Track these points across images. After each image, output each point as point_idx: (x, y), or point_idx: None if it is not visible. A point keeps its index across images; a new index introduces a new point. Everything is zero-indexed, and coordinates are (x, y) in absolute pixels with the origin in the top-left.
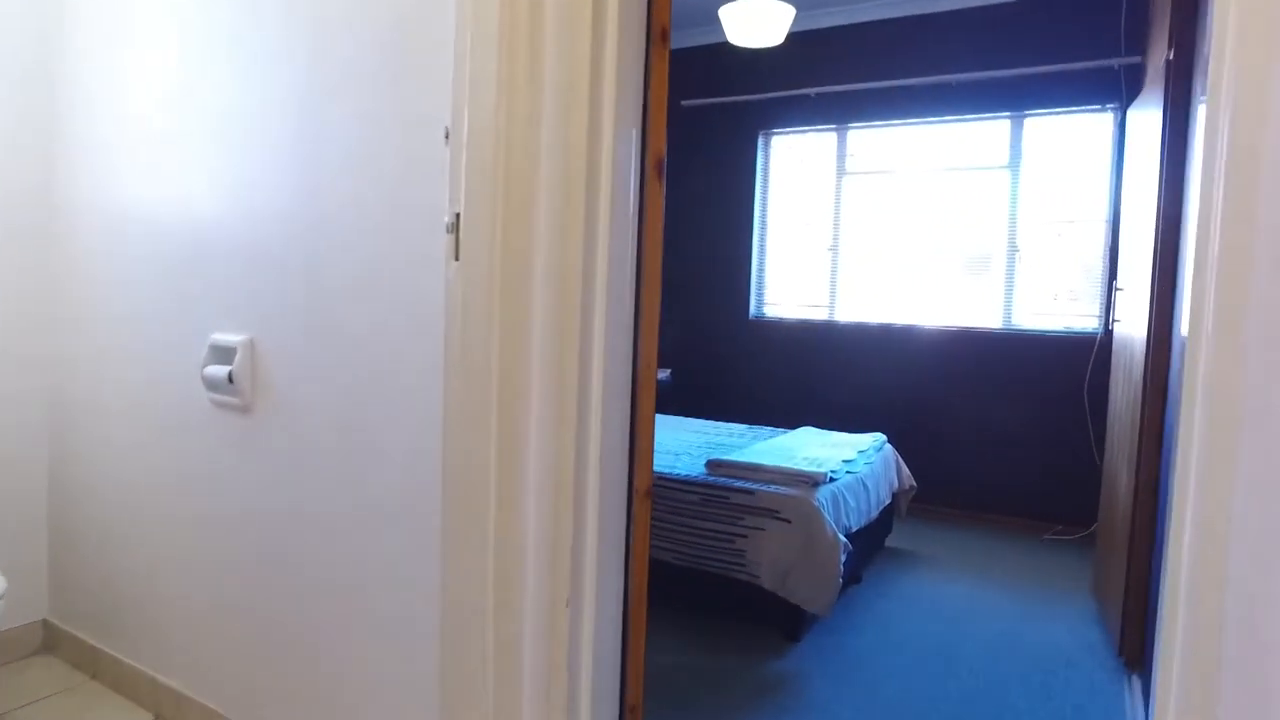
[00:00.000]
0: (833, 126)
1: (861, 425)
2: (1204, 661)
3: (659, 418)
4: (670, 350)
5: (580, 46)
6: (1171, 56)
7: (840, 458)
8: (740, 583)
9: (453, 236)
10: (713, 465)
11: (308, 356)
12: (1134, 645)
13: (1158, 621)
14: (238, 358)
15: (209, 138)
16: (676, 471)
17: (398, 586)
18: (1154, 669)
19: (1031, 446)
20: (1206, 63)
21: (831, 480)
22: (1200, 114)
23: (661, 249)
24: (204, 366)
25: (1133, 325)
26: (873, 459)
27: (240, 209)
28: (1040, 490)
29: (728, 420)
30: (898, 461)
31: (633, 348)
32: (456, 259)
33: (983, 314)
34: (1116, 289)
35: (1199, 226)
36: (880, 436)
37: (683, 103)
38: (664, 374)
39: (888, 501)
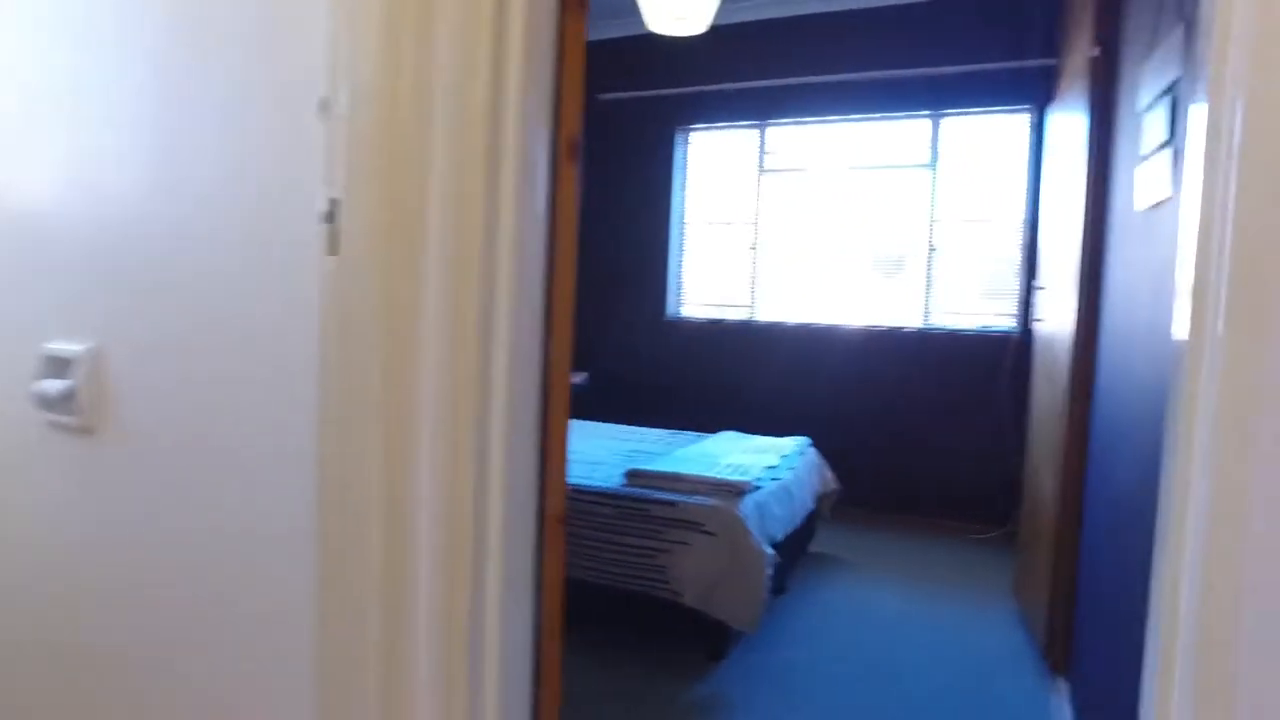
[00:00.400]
0: (753, 123)
1: (784, 428)
2: (1214, 687)
3: (574, 424)
4: (586, 353)
5: (481, 3)
6: (1097, 54)
7: (764, 464)
8: (662, 601)
9: (329, 227)
10: (632, 475)
11: (162, 367)
12: (1060, 650)
13: (1147, 643)
14: (78, 370)
15: (47, 113)
16: (593, 483)
17: (267, 623)
18: (1142, 694)
19: (952, 446)
20: (1134, 58)
21: (756, 489)
22: (1147, 108)
23: (576, 242)
24: (35, 381)
25: (1056, 325)
26: (796, 464)
27: (83, 195)
28: (961, 490)
29: (647, 425)
30: (821, 464)
31: (543, 353)
32: (334, 253)
33: (903, 313)
34: (1037, 288)
35: (1200, 224)
36: (803, 440)
37: (599, 96)
38: (580, 378)
39: (812, 507)
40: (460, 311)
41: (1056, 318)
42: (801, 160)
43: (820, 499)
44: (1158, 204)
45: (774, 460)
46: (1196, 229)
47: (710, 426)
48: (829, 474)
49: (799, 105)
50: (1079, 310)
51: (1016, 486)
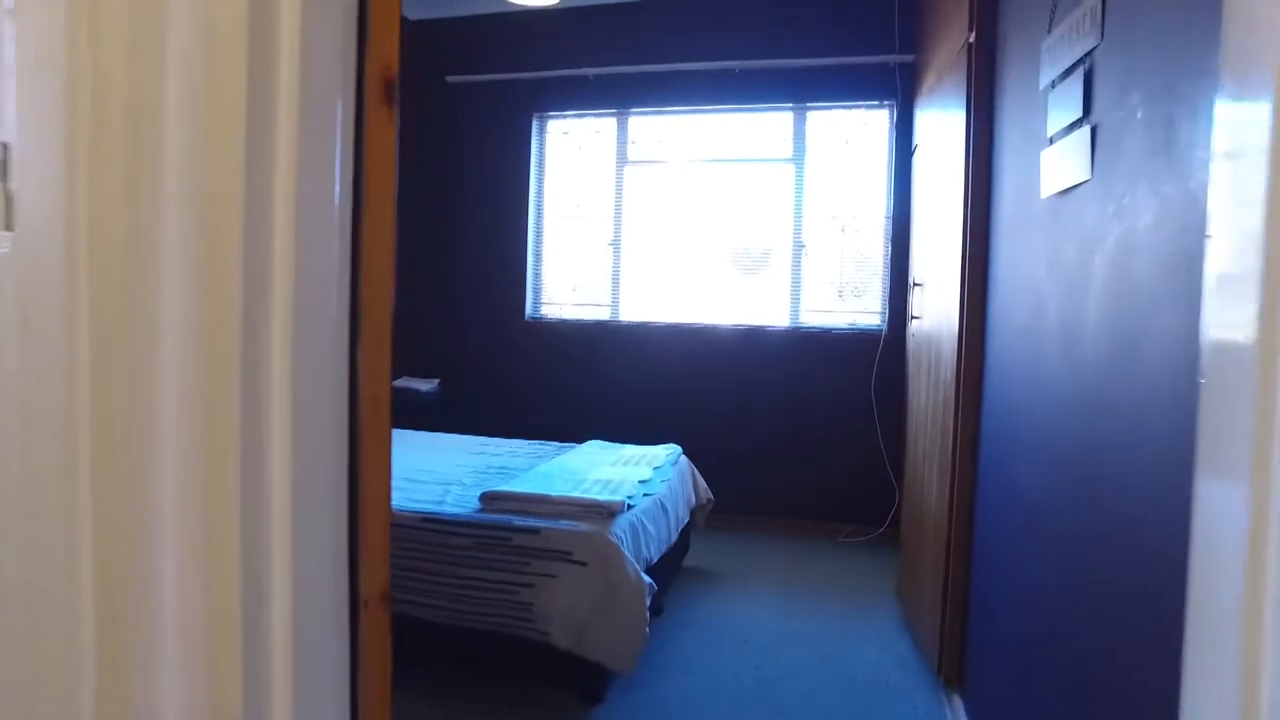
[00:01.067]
0: (613, 111)
1: (653, 435)
2: None
3: (424, 437)
4: (437, 357)
5: None
6: (973, 39)
7: (636, 478)
8: (528, 641)
9: None
10: (489, 499)
11: None
12: (952, 664)
13: (1184, 670)
14: None
15: None
16: (445, 509)
17: None
18: None
19: (822, 447)
20: (1026, 39)
21: (629, 507)
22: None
23: (394, 215)
24: None
25: (935, 321)
26: (669, 475)
27: None
28: (833, 491)
29: (507, 436)
30: (694, 474)
31: (349, 366)
32: (6, 229)
33: (770, 312)
34: (915, 284)
35: (1268, 222)
36: (674, 448)
37: (448, 79)
38: (430, 385)
39: (686, 520)
40: (214, 313)
41: (936, 314)
42: (664, 152)
43: (694, 510)
44: (1069, 188)
45: (646, 473)
46: (1263, 215)
47: (576, 436)
48: (702, 483)
49: (661, 94)
50: (963, 306)
51: (891, 486)
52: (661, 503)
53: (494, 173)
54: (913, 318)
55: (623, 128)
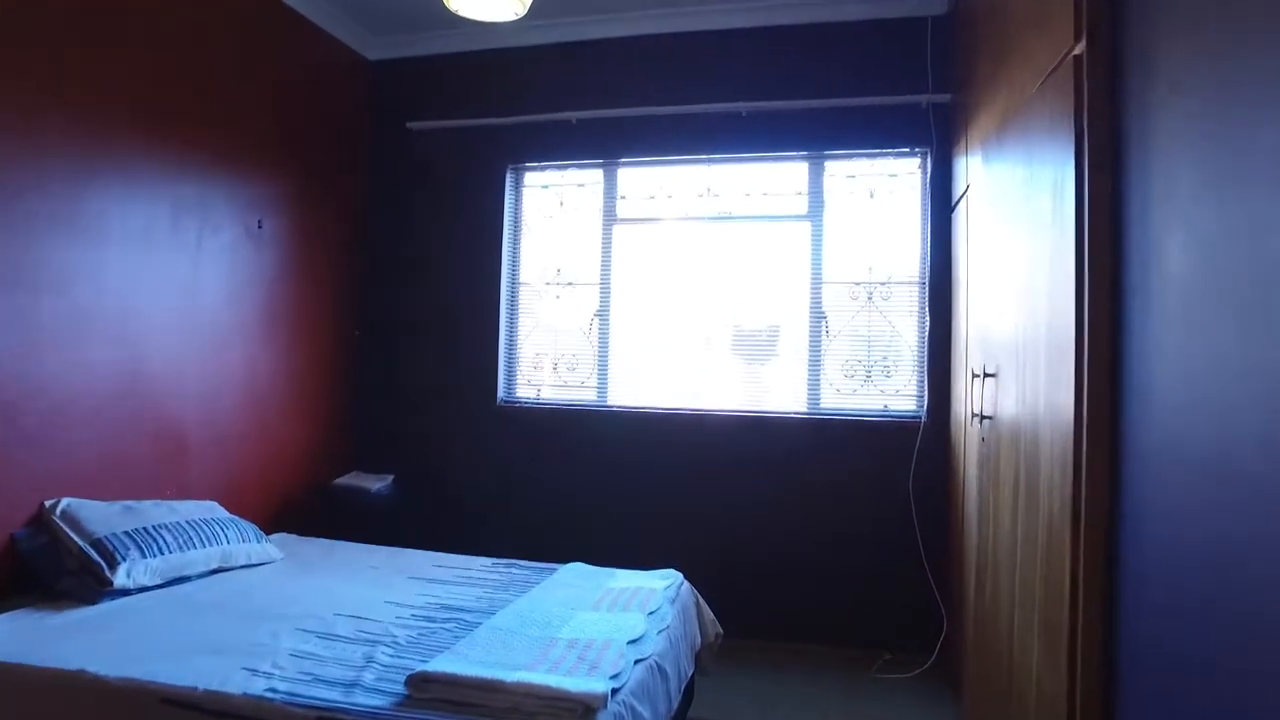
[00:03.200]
0: (599, 161)
1: (647, 550)
2: None
3: (366, 554)
4: (392, 448)
5: None
6: (1082, 50)
7: (625, 635)
8: None
9: None
10: (419, 684)
11: None
12: None
13: None
14: None
15: None
16: (354, 703)
17: None
18: None
19: (850, 558)
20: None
21: (615, 690)
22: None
23: None
24: None
25: (1025, 426)
26: (668, 620)
27: None
28: (864, 613)
29: (470, 550)
30: (699, 605)
31: None
32: None
33: (783, 396)
34: (981, 374)
35: None
36: (673, 577)
37: (409, 125)
38: (382, 482)
39: (690, 672)
40: None
41: (1023, 416)
42: (659, 208)
43: (701, 653)
44: None
45: (638, 624)
46: None
47: (554, 551)
48: (709, 615)
49: (655, 141)
50: (1083, 412)
51: (936, 606)
52: (659, 666)
53: (462, 232)
54: (981, 417)
55: (610, 180)
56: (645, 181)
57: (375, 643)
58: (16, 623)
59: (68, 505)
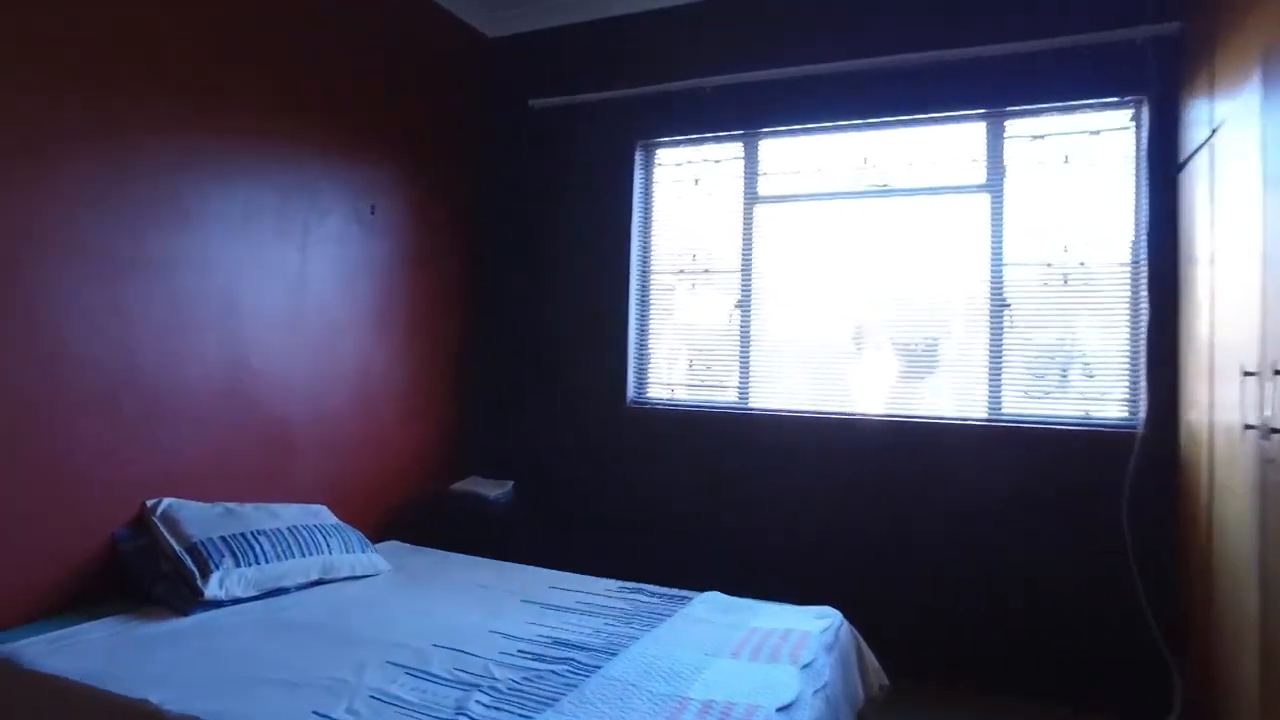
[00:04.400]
0: (739, 133)
1: (795, 577)
2: None
3: (478, 569)
4: (513, 453)
5: None
6: None
7: (775, 697)
8: None
9: None
10: None
11: None
12: None
13: None
14: None
15: None
16: None
17: None
18: None
19: (1045, 596)
20: None
21: None
22: None
23: None
24: None
25: None
26: (825, 674)
27: None
28: (1067, 664)
29: (591, 568)
30: (860, 652)
31: None
32: None
33: (959, 399)
34: (1255, 372)
35: None
36: (831, 616)
37: (531, 103)
38: (500, 490)
39: None
40: None
41: None
42: (807, 184)
43: (862, 709)
44: None
45: (789, 682)
46: None
47: (686, 574)
48: (872, 662)
49: (802, 107)
50: None
51: (1163, 661)
52: None
53: (588, 217)
54: (1268, 430)
55: (751, 154)
56: (791, 154)
57: (471, 686)
58: (102, 633)
59: (168, 506)
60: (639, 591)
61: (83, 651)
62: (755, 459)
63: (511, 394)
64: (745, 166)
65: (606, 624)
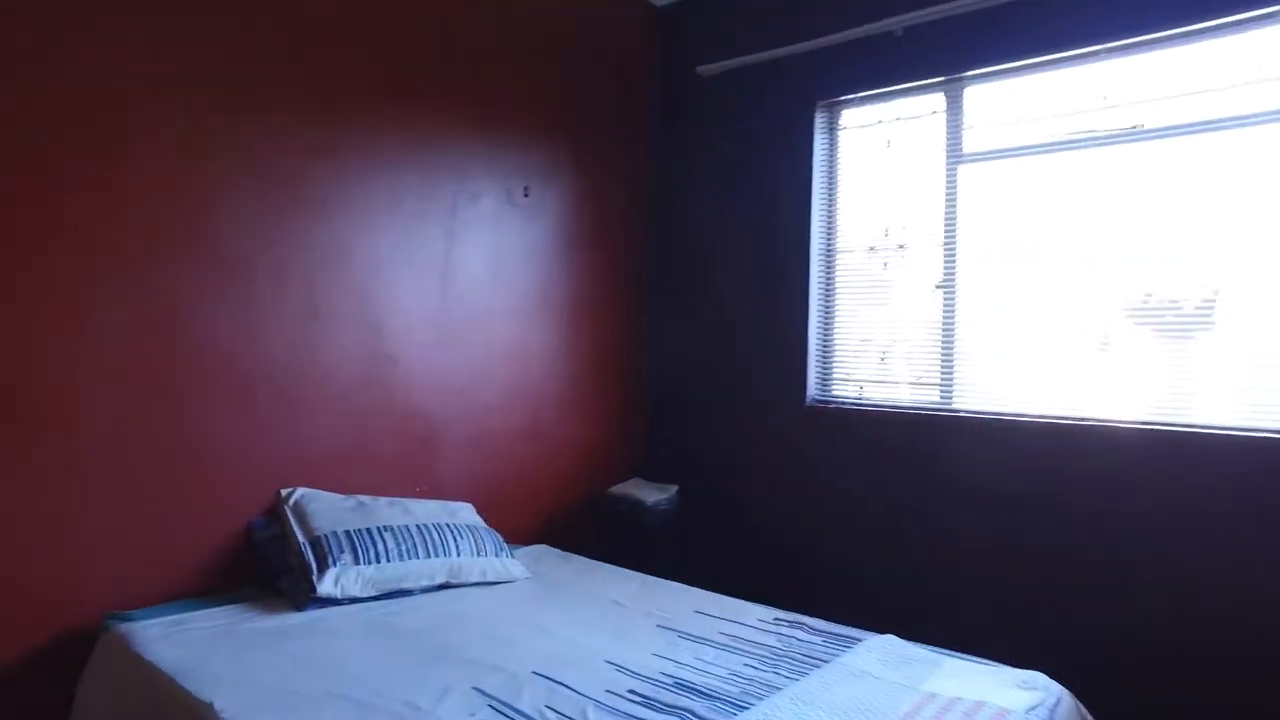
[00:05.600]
0: (939, 80)
1: (997, 626)
2: None
3: (620, 581)
4: (678, 455)
5: None
6: None
7: None
8: None
9: None
10: None
11: None
12: None
13: None
14: None
15: None
16: None
17: None
18: None
19: None
20: None
21: None
22: None
23: None
24: None
25: None
26: None
27: None
28: None
29: (752, 589)
30: None
31: None
32: None
33: (1233, 402)
34: None
35: None
36: (1044, 689)
37: (699, 70)
38: (664, 495)
39: None
40: None
41: None
42: (1024, 136)
43: None
44: None
45: None
46: None
47: (859, 607)
48: None
49: (1016, 40)
50: None
51: None
52: None
53: (762, 192)
54: None
55: (954, 104)
56: (1004, 100)
57: None
58: (215, 623)
59: (301, 496)
60: (798, 626)
61: (187, 641)
62: (959, 473)
63: (679, 390)
64: (947, 120)
65: (747, 665)
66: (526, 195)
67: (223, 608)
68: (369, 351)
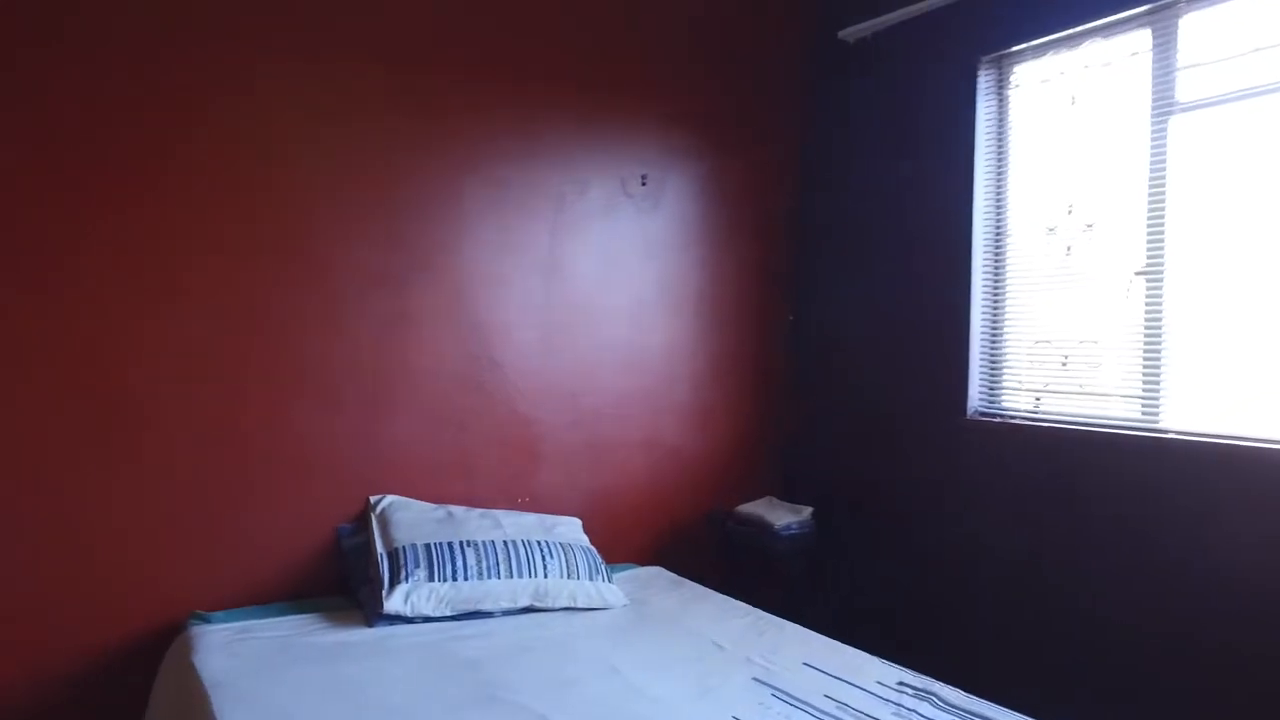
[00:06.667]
0: (1144, 10)
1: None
2: None
3: (729, 611)
4: (816, 473)
5: None
6: None
7: None
8: None
9: None
10: None
11: None
12: None
13: None
14: None
15: None
16: None
17: None
18: None
19: None
20: None
21: None
22: None
23: None
24: None
25: None
26: None
27: None
28: None
29: (877, 644)
30: None
31: None
32: None
33: None
34: None
35: None
36: None
37: (840, 35)
38: (797, 518)
39: None
40: None
41: None
42: (1265, 72)
43: None
44: None
45: None
46: None
47: (1023, 677)
48: None
49: None
50: None
51: None
52: None
53: (915, 170)
54: None
55: (1165, 40)
56: (1235, 29)
57: None
58: (282, 632)
59: (389, 504)
60: (926, 697)
61: (241, 650)
62: (1165, 510)
63: (821, 398)
64: (1154, 62)
65: None
66: (644, 184)
67: (296, 616)
68: (467, 353)
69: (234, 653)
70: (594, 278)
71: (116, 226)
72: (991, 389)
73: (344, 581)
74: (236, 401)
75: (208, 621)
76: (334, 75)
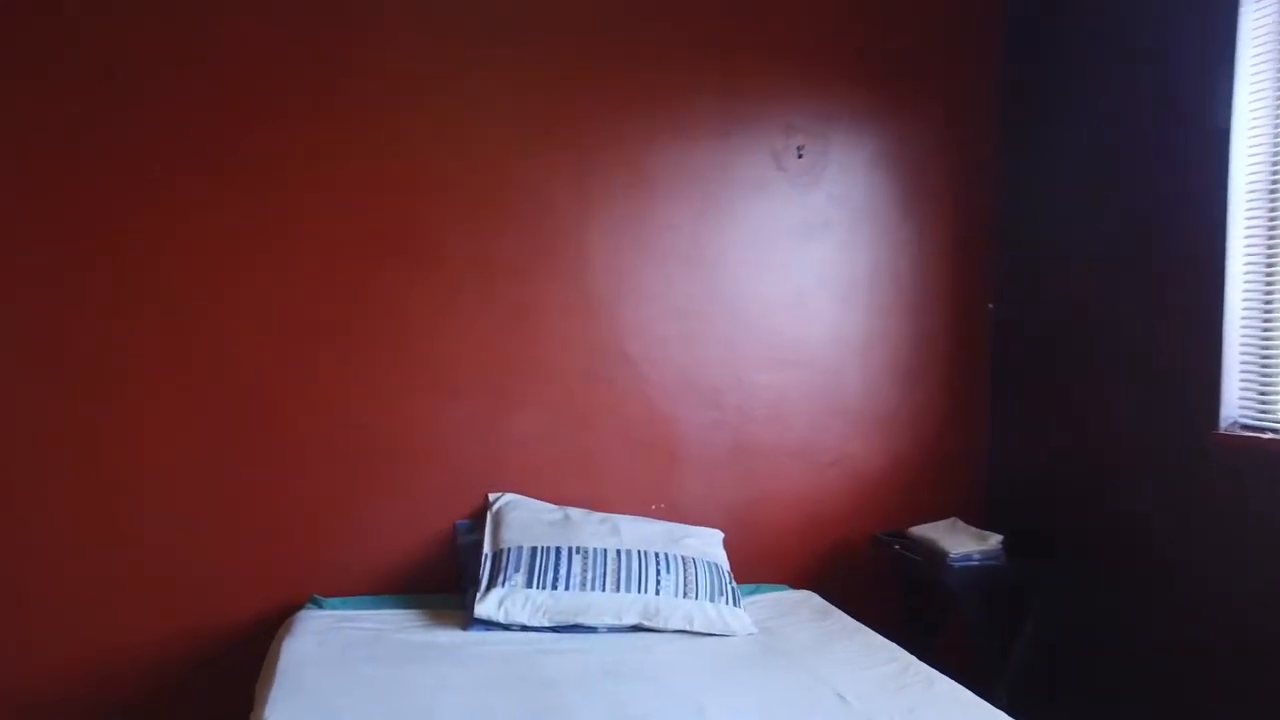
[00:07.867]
0: None
1: None
2: None
3: (875, 652)
4: (1014, 494)
5: None
6: None
7: None
8: None
9: None
10: None
11: None
12: None
13: None
14: None
15: None
16: None
17: None
18: None
19: None
20: None
21: None
22: None
23: None
24: None
25: None
26: None
27: None
28: None
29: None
30: None
31: None
32: None
33: None
34: None
35: None
36: None
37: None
38: (983, 545)
39: None
40: None
41: None
42: None
43: None
44: None
45: None
46: None
47: None
48: None
49: None
50: None
51: None
52: None
53: (1143, 114)
54: None
55: None
56: None
57: None
58: (373, 624)
59: (506, 503)
60: None
61: (330, 640)
62: None
63: (1026, 405)
64: None
65: None
66: (800, 156)
67: (401, 611)
68: (593, 346)
69: (323, 640)
70: (741, 262)
71: (264, 233)
72: (1261, 396)
73: (458, 579)
74: (362, 395)
75: (320, 606)
76: (451, 57)
